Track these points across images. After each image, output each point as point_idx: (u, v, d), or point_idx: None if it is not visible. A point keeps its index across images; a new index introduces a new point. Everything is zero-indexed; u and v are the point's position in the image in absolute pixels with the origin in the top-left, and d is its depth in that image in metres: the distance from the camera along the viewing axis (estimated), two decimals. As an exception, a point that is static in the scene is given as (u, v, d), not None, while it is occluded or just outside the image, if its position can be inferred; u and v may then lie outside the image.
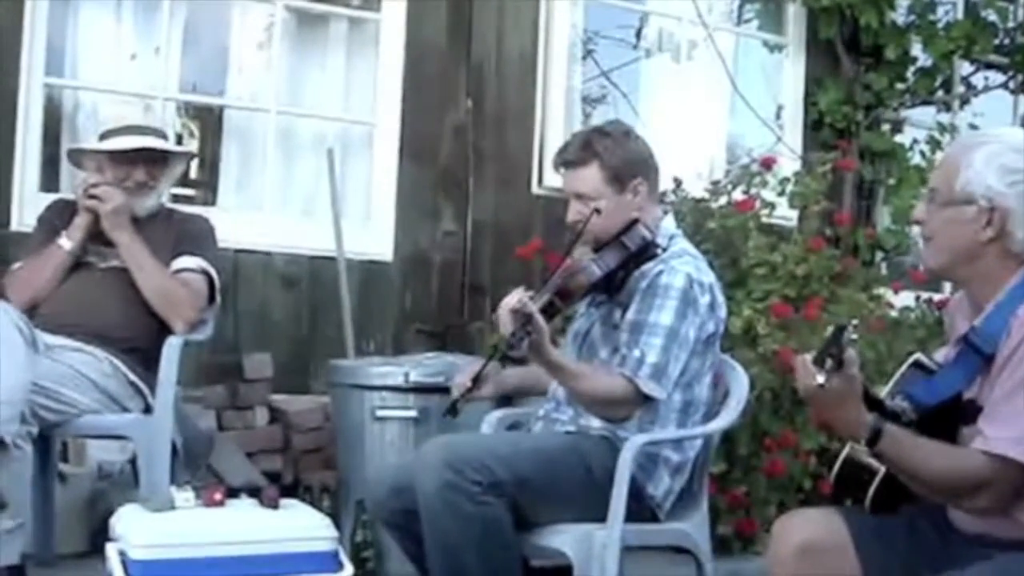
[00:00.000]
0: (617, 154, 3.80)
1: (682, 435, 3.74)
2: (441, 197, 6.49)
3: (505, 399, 4.37)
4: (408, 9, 6.43)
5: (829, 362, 2.54)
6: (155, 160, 4.53)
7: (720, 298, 3.82)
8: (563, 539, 3.56)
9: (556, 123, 6.74)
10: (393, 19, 6.45)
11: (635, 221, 3.72)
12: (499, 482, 3.46)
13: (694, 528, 3.80)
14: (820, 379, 2.54)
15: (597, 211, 3.71)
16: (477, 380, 3.82)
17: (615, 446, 3.63)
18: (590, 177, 3.79)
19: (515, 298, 3.46)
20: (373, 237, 6.34)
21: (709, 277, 3.80)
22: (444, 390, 4.68)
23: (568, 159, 3.85)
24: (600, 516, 3.56)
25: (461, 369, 4.20)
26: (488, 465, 3.46)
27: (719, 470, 5.09)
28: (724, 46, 7.40)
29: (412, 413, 4.68)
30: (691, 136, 7.28)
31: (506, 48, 6.66)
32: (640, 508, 3.64)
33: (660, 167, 3.95)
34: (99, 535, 4.61)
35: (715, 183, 6.08)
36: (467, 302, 6.47)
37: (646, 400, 3.64)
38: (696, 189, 6.05)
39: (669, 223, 3.94)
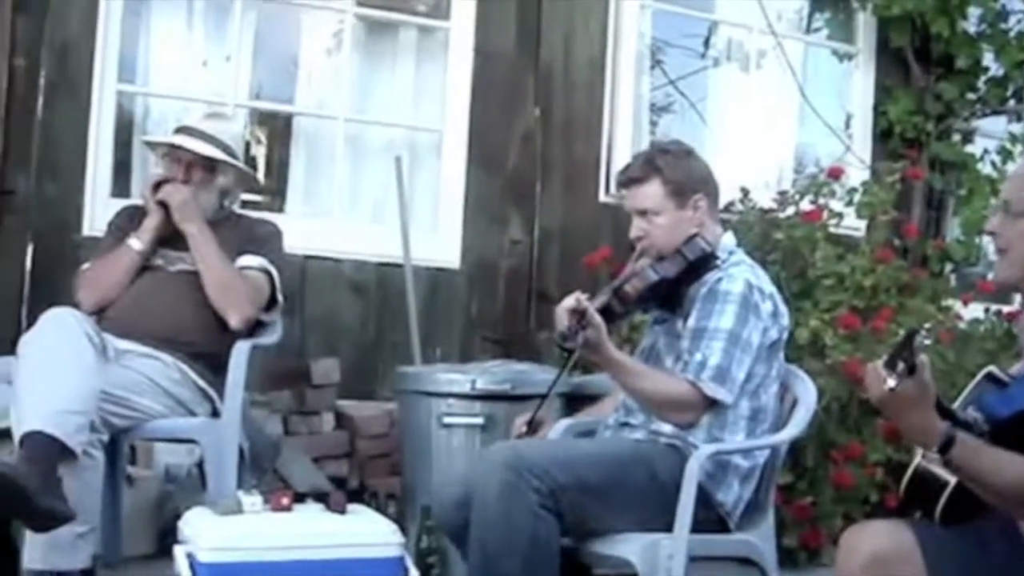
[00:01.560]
0: (678, 170, 3.86)
1: (751, 446, 3.73)
2: (508, 205, 6.50)
3: (572, 407, 4.39)
4: (477, 16, 6.46)
5: (901, 366, 2.51)
6: (208, 165, 4.56)
7: (782, 307, 3.83)
8: (629, 548, 3.54)
9: (624, 131, 6.73)
10: (462, 26, 6.47)
11: (695, 235, 3.78)
12: (560, 488, 3.46)
13: (760, 539, 3.77)
14: (891, 383, 2.51)
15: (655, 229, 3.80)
16: (532, 424, 3.88)
17: (683, 454, 3.62)
18: (652, 192, 3.85)
19: (572, 298, 3.52)
20: (440, 244, 6.35)
21: (770, 286, 3.83)
22: (510, 398, 4.73)
23: (631, 176, 3.91)
24: (664, 524, 3.54)
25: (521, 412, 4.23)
26: (550, 471, 3.46)
27: (785, 481, 5.07)
28: (793, 55, 7.37)
29: (478, 420, 4.69)
30: (759, 146, 7.25)
31: (574, 56, 6.66)
32: (708, 516, 3.63)
33: (721, 184, 4.00)
34: (166, 537, 4.67)
35: (783, 193, 6.06)
36: (533, 310, 6.46)
37: (712, 404, 3.65)
38: (764, 199, 6.02)
39: (729, 240, 3.97)
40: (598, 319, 3.50)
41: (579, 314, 3.46)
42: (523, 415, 4.07)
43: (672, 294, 3.77)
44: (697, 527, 3.55)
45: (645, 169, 3.87)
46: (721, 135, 7.28)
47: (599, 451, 3.76)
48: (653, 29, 7.10)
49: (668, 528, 3.53)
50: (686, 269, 3.74)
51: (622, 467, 3.63)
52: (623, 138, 6.70)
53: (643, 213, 3.86)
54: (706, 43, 7.53)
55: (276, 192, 6.56)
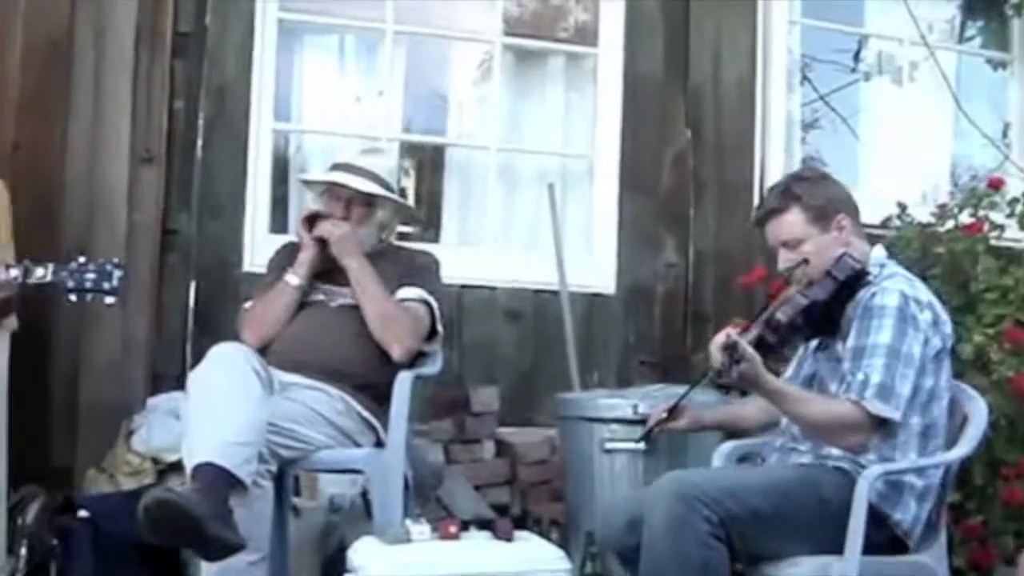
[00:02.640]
0: (817, 194, 3.84)
1: (921, 465, 3.67)
2: (662, 228, 6.48)
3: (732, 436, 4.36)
4: (625, 42, 6.47)
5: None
6: (367, 200, 4.61)
7: (943, 315, 3.76)
8: (799, 572, 3.52)
9: (776, 149, 6.67)
10: (610, 52, 6.49)
11: (843, 254, 3.73)
12: (730, 517, 3.44)
13: (933, 559, 3.71)
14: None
15: (806, 261, 3.76)
16: (673, 411, 3.84)
17: (851, 476, 3.58)
18: (794, 221, 3.82)
19: (722, 334, 3.49)
20: (595, 270, 6.36)
21: (927, 295, 3.76)
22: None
23: (769, 208, 3.89)
24: (835, 547, 3.50)
25: (655, 401, 4.22)
26: (720, 500, 3.45)
27: (953, 500, 4.97)
28: (946, 65, 7.24)
29: (641, 445, 4.66)
30: (914, 159, 7.14)
31: (724, 76, 6.63)
32: (882, 538, 3.58)
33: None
34: (330, 567, 4.73)
35: (941, 207, 5.94)
36: (690, 333, 6.43)
37: (879, 424, 3.58)
38: (921, 214, 5.92)
39: (879, 253, 3.91)
40: (751, 352, 3.47)
41: (731, 349, 3.43)
42: (662, 405, 4.04)
43: (827, 317, 3.72)
44: (871, 549, 3.50)
45: (783, 199, 3.85)
46: (874, 150, 7.20)
47: (767, 478, 3.73)
48: (802, 46, 7.04)
49: (839, 551, 3.49)
50: (837, 290, 3.69)
51: (790, 493, 3.59)
52: (775, 156, 6.64)
53: (788, 244, 3.83)
54: (856, 57, 7.44)
55: (430, 223, 6.62)
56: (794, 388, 3.74)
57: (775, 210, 3.86)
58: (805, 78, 7.29)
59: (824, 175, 3.99)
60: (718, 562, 3.44)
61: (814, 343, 3.92)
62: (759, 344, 3.55)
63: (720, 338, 3.48)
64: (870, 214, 5.74)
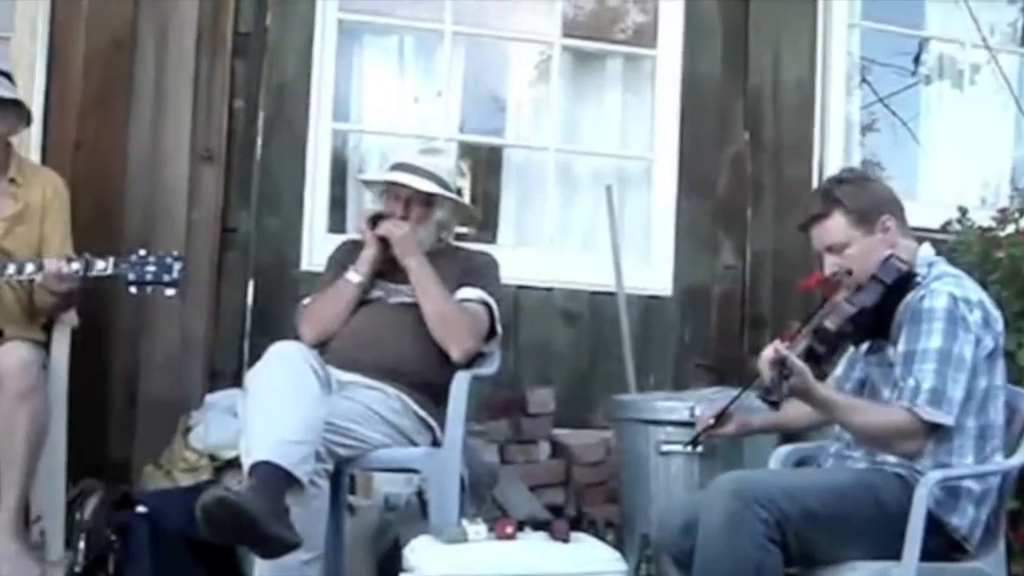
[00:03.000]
0: (859, 196, 3.77)
1: (979, 471, 3.62)
2: (719, 230, 6.46)
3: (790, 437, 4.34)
4: (684, 43, 6.45)
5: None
6: (426, 200, 4.62)
7: (994, 312, 3.70)
8: (857, 576, 3.49)
9: (835, 152, 6.63)
10: (669, 53, 6.48)
11: (890, 256, 3.68)
12: (787, 518, 3.42)
13: (992, 566, 3.67)
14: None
15: (849, 272, 3.71)
16: (721, 417, 3.81)
17: (909, 482, 3.54)
18: (837, 225, 3.77)
19: (770, 348, 3.45)
20: (652, 272, 6.35)
21: (977, 293, 3.70)
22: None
23: (812, 214, 3.83)
24: (892, 552, 3.46)
25: (709, 404, 4.20)
26: (777, 501, 3.42)
27: (1012, 507, 4.91)
28: (1008, 68, 7.17)
29: (697, 448, 4.66)
30: (974, 163, 7.09)
31: (783, 77, 6.60)
32: (940, 543, 3.54)
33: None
34: (385, 565, 4.74)
35: (1002, 211, 5.88)
36: (747, 335, 6.41)
37: (933, 429, 3.54)
38: (982, 218, 5.87)
39: (927, 251, 3.84)
40: (800, 365, 3.43)
41: (779, 363, 3.40)
42: (712, 407, 4.03)
43: (877, 322, 3.67)
44: (928, 555, 3.46)
45: (825, 204, 3.79)
46: (934, 153, 7.14)
47: (824, 480, 3.70)
48: (861, 48, 6.99)
49: (896, 556, 3.46)
50: (885, 294, 3.64)
51: (848, 496, 3.56)
52: (834, 159, 6.60)
53: (833, 248, 3.78)
54: (916, 60, 7.39)
55: (487, 223, 6.63)
56: (845, 398, 3.71)
57: (817, 216, 3.80)
58: (864, 80, 7.24)
59: (865, 176, 3.96)
60: (772, 565, 3.41)
61: (865, 346, 3.89)
62: (808, 354, 3.51)
63: (768, 353, 3.45)
64: (929, 218, 5.72)
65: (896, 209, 3.82)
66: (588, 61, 6.63)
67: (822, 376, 3.61)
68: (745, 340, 6.39)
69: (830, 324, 3.58)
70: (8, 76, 4.80)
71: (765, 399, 3.50)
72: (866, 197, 3.79)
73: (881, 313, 3.65)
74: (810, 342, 3.56)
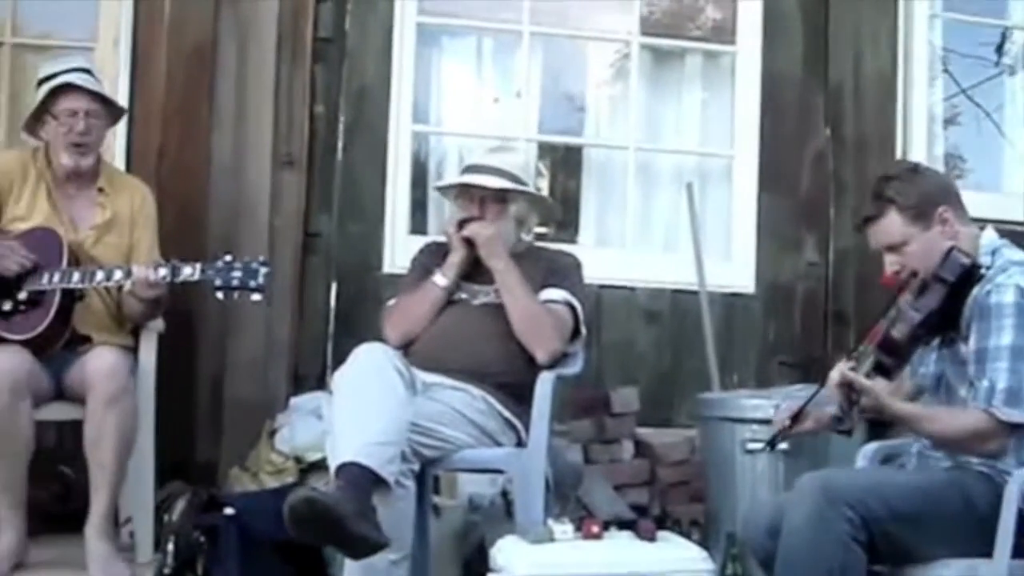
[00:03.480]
0: (911, 192, 3.67)
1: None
2: (802, 227, 6.42)
3: (877, 431, 4.30)
4: (763, 39, 6.42)
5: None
6: (499, 197, 4.61)
7: None
8: (948, 574, 3.45)
9: (918, 146, 6.56)
10: (748, 50, 6.45)
11: (951, 250, 3.58)
12: (873, 517, 3.39)
13: (1082, 564, 3.63)
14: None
15: (914, 273, 3.62)
16: (797, 418, 3.78)
17: (996, 481, 3.50)
18: (893, 224, 3.68)
19: (836, 371, 3.44)
20: (734, 269, 6.33)
21: None
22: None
23: (867, 216, 3.75)
24: (982, 550, 3.43)
25: (786, 404, 4.16)
26: (863, 499, 3.40)
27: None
28: (1092, 56, 7.10)
29: (783, 446, 4.62)
30: (1061, 153, 7.00)
31: (864, 72, 6.54)
32: (1027, 541, 3.50)
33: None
34: (470, 565, 4.75)
35: (1089, 202, 5.83)
36: (830, 333, 6.36)
37: (1014, 429, 3.48)
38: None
39: (990, 236, 3.74)
40: (867, 384, 3.41)
41: (847, 387, 3.38)
42: (788, 407, 3.99)
43: (945, 320, 3.58)
44: (1018, 552, 3.42)
45: (878, 204, 3.70)
46: (1019, 145, 7.05)
47: (911, 479, 3.66)
48: (943, 39, 6.92)
49: (985, 554, 3.42)
50: (949, 292, 3.55)
51: (935, 495, 3.52)
52: (917, 153, 6.51)
53: (892, 248, 3.71)
54: (999, 50, 7.30)
55: (567, 223, 6.62)
56: (920, 408, 3.65)
57: (871, 217, 3.72)
58: (946, 70, 7.17)
59: (915, 168, 3.84)
60: (855, 564, 3.39)
61: (936, 340, 3.81)
62: (878, 367, 3.47)
63: (835, 376, 3.44)
64: (1013, 211, 5.67)
65: (952, 198, 3.72)
66: (666, 59, 6.61)
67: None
68: (829, 337, 6.34)
69: (897, 333, 3.51)
70: (91, 73, 4.87)
71: (838, 430, 3.47)
72: (918, 192, 3.68)
73: (948, 312, 3.57)
74: (877, 356, 3.49)
